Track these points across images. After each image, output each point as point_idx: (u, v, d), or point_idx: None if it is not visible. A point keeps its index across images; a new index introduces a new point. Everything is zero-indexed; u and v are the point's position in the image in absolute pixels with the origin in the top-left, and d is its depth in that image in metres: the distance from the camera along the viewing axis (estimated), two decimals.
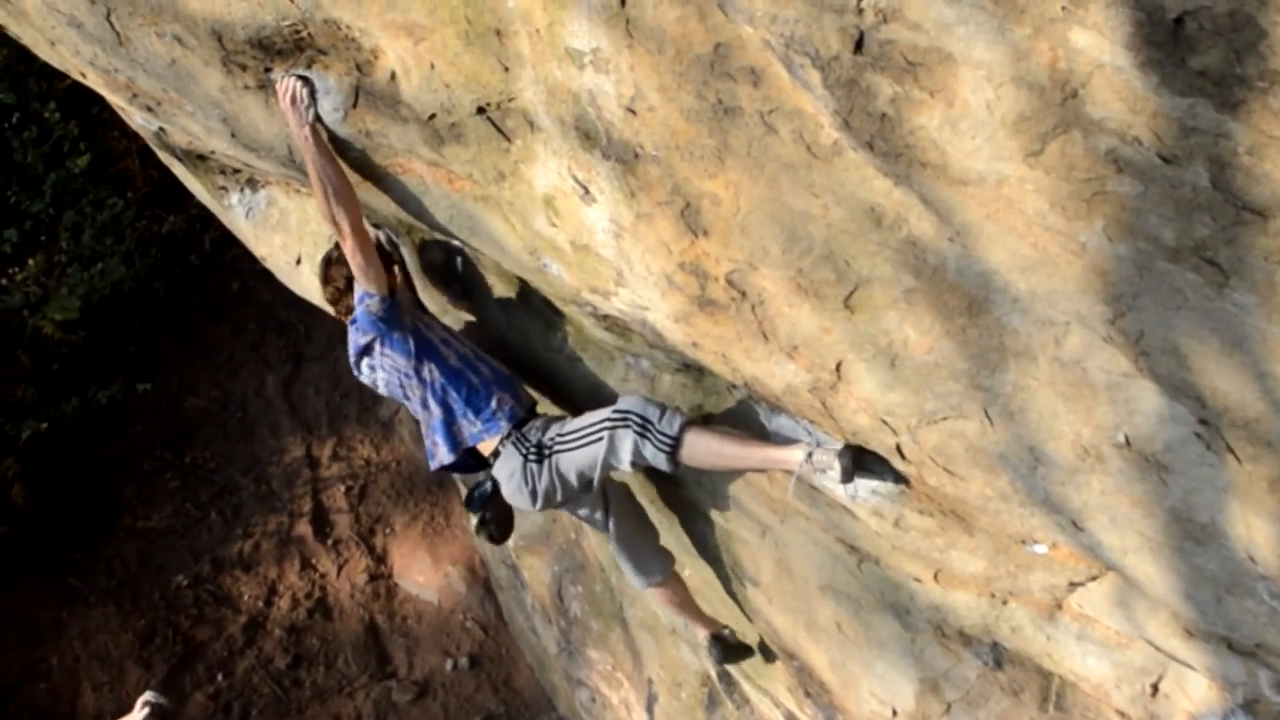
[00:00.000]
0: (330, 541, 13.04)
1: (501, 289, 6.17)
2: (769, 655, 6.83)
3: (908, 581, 5.25)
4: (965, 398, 3.89)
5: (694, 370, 5.53)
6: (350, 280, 5.85)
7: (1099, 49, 2.60)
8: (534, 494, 5.80)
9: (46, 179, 13.13)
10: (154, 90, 5.65)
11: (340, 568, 12.87)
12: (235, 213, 7.56)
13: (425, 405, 5.87)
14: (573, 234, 4.65)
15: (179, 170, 7.86)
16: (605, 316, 5.29)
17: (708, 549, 6.60)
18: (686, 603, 7.01)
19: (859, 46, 3.04)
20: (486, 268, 6.11)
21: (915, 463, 4.38)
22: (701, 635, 7.26)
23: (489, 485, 6.00)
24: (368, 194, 5.63)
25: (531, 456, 5.74)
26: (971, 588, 4.98)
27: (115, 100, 6.45)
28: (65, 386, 13.10)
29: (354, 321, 5.81)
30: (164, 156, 7.81)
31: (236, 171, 7.18)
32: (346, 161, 5.33)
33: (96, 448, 13.35)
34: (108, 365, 13.53)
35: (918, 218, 3.55)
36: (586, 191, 4.38)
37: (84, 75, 6.06)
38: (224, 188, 7.43)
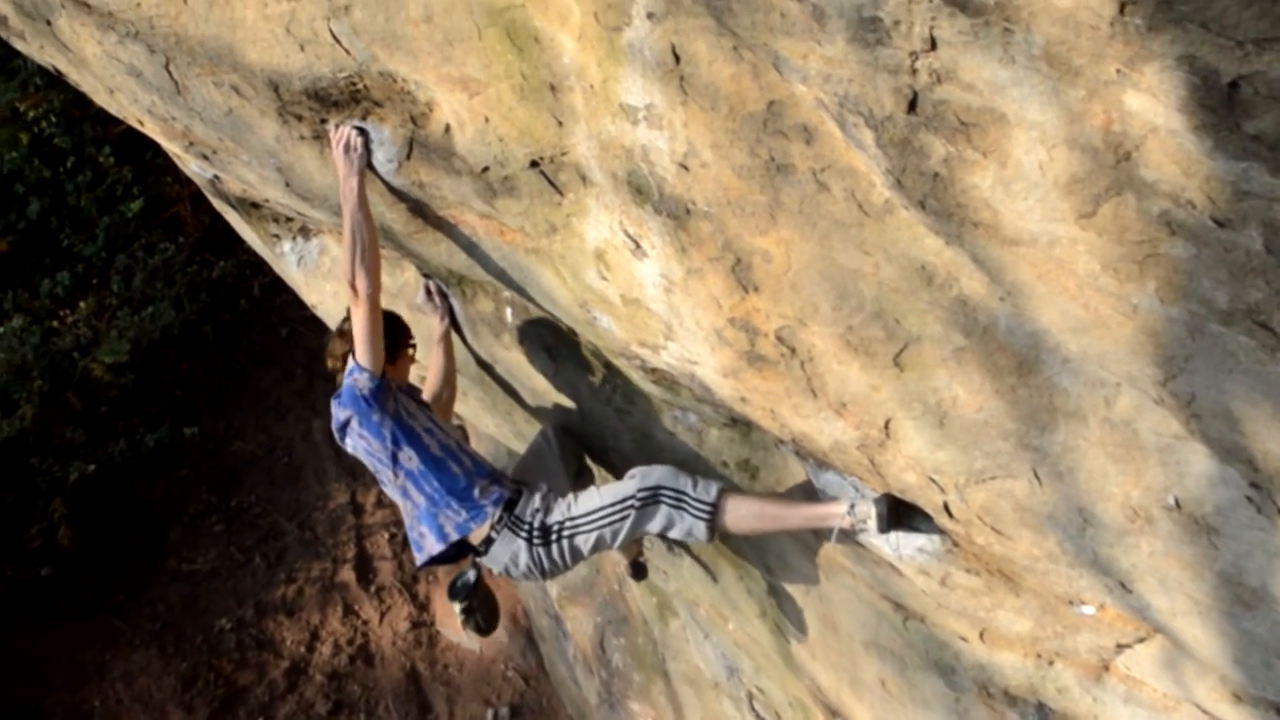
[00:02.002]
0: (373, 588, 13.05)
1: (551, 340, 6.18)
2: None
3: (953, 640, 5.23)
4: (1014, 457, 3.88)
5: (742, 425, 5.52)
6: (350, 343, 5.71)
7: (1153, 112, 2.60)
8: (543, 572, 5.70)
9: (99, 223, 13.29)
10: (210, 139, 5.70)
11: (383, 615, 12.89)
12: (287, 260, 7.61)
13: (405, 494, 5.67)
14: (623, 288, 4.66)
15: (232, 217, 7.92)
16: (654, 370, 5.30)
17: (752, 603, 6.59)
18: None
19: (912, 106, 3.05)
20: (536, 318, 6.13)
21: (963, 521, 4.36)
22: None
23: (472, 575, 5.88)
24: (419, 244, 5.66)
25: (537, 540, 5.58)
26: (1018, 648, 4.95)
27: (171, 148, 6.51)
28: (113, 429, 13.19)
29: (338, 396, 5.67)
30: (217, 203, 7.88)
31: (289, 220, 7.23)
32: (399, 211, 5.37)
33: (143, 490, 13.42)
34: (156, 408, 13.62)
35: (969, 277, 3.55)
36: (638, 246, 4.40)
37: (141, 123, 6.11)
38: (277, 235, 7.49)
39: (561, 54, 4.01)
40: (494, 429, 7.71)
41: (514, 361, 6.50)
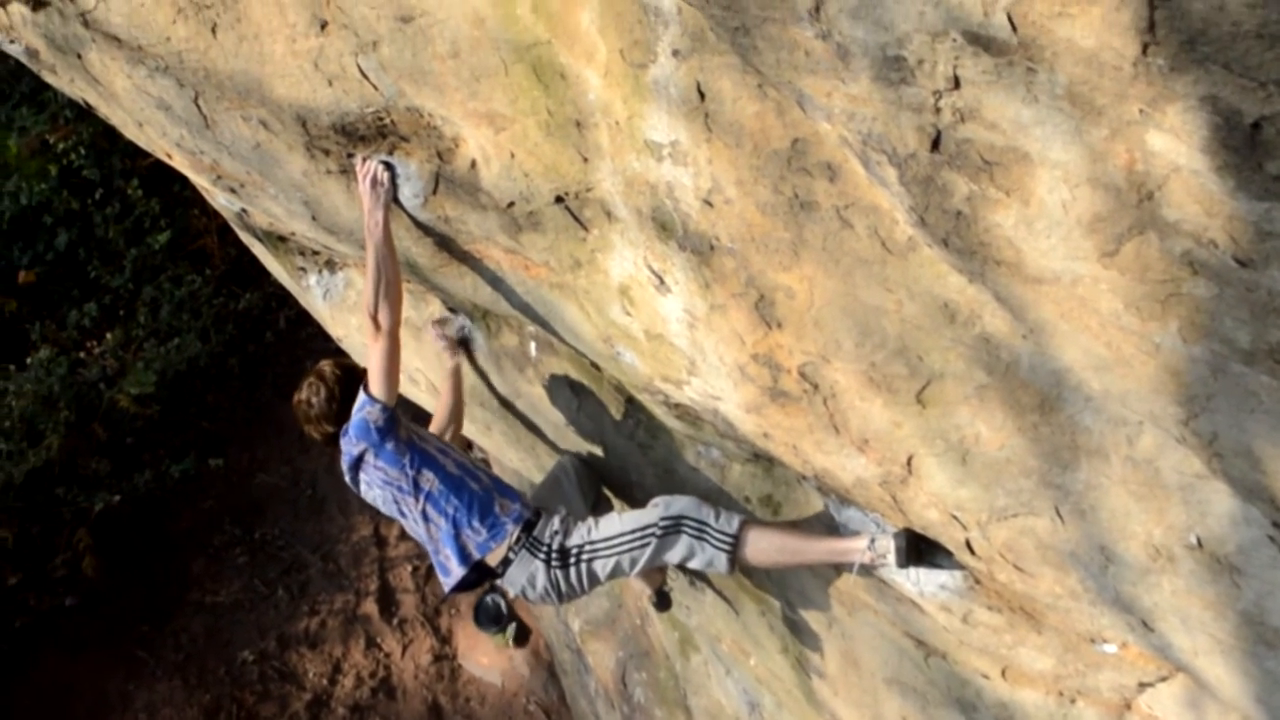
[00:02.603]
0: (396, 621, 13.05)
1: (574, 374, 6.20)
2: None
3: (975, 677, 5.22)
4: (1036, 495, 3.88)
5: (764, 460, 5.52)
6: (332, 405, 5.79)
7: (1176, 152, 2.60)
8: (560, 595, 5.68)
9: (127, 255, 13.35)
10: (238, 172, 5.73)
11: (405, 647, 12.88)
12: (313, 293, 7.64)
13: (426, 517, 5.64)
14: (647, 323, 4.68)
15: (258, 250, 7.96)
16: (677, 405, 5.30)
17: (774, 638, 6.58)
18: None
19: (936, 145, 3.06)
20: (560, 353, 6.14)
21: (985, 559, 4.36)
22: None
23: (498, 598, 5.88)
24: (444, 278, 5.68)
25: (555, 562, 5.58)
26: (1039, 686, 4.94)
27: (199, 181, 6.55)
28: (139, 460, 13.22)
29: (345, 432, 5.68)
30: (244, 237, 7.92)
31: (316, 253, 7.26)
32: (424, 246, 5.39)
33: (167, 522, 13.45)
34: (181, 440, 13.65)
35: (991, 314, 3.56)
36: (662, 282, 4.41)
37: (170, 156, 6.15)
38: (303, 269, 7.52)
39: (587, 90, 4.03)
40: (517, 463, 7.72)
41: (538, 396, 6.52)
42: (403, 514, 5.77)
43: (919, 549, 4.82)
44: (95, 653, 12.52)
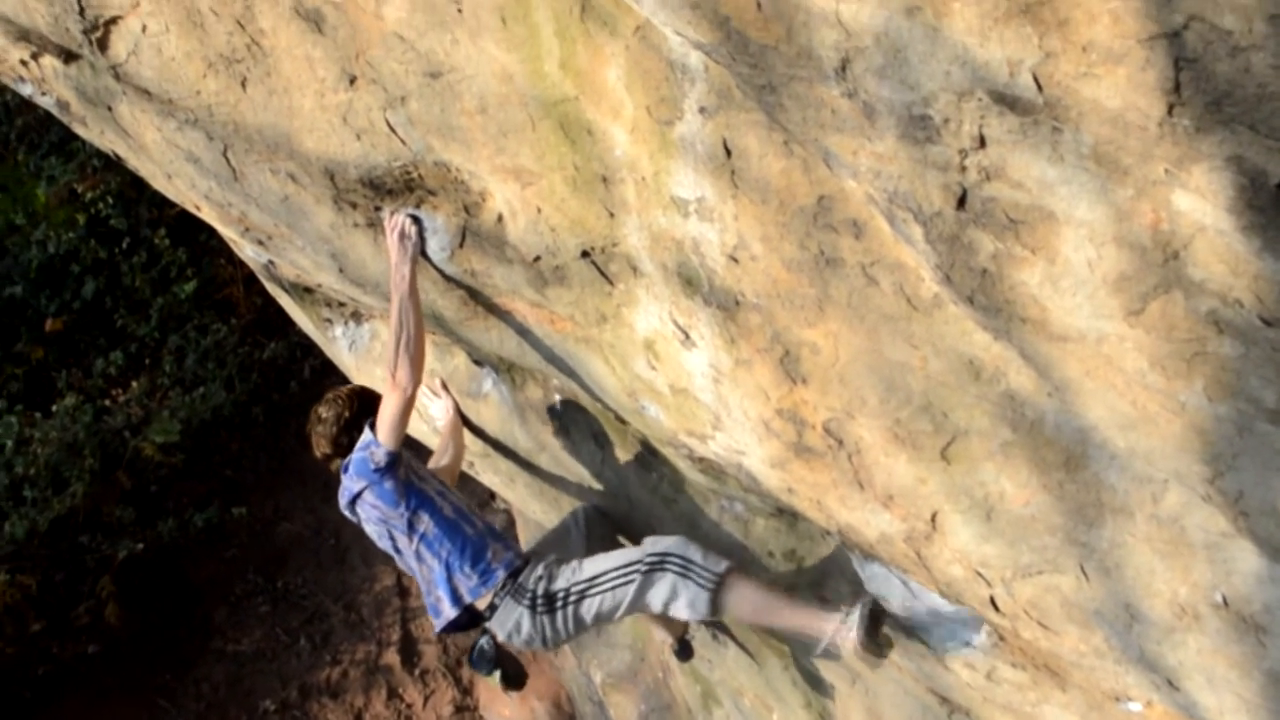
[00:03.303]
0: (418, 672, 13.01)
1: (599, 428, 6.20)
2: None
3: None
4: (1061, 552, 3.87)
5: (788, 515, 5.52)
6: (335, 429, 5.88)
7: (1201, 212, 2.61)
8: (545, 641, 5.70)
9: (153, 303, 13.41)
10: (266, 224, 5.76)
11: (426, 699, 12.83)
12: (339, 345, 7.66)
13: (420, 558, 5.70)
14: (672, 378, 4.68)
15: (284, 300, 7.98)
16: (701, 459, 5.30)
17: (797, 694, 6.55)
18: None
19: (961, 203, 3.07)
20: (585, 406, 6.15)
21: (1009, 615, 4.34)
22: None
23: (489, 641, 5.89)
24: (469, 330, 5.69)
25: (540, 607, 5.59)
26: None
27: (227, 233, 6.58)
28: (163, 508, 13.23)
29: (346, 468, 5.75)
30: (271, 287, 7.95)
31: (342, 305, 7.28)
32: (451, 299, 5.41)
33: (191, 570, 13.44)
34: (205, 488, 13.65)
35: (1016, 372, 3.56)
36: (687, 336, 4.42)
37: (198, 207, 6.18)
38: (329, 320, 7.54)
39: (614, 146, 4.05)
40: (541, 516, 7.71)
41: (561, 449, 6.52)
42: (397, 550, 5.84)
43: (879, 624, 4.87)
44: (117, 700, 12.50)
